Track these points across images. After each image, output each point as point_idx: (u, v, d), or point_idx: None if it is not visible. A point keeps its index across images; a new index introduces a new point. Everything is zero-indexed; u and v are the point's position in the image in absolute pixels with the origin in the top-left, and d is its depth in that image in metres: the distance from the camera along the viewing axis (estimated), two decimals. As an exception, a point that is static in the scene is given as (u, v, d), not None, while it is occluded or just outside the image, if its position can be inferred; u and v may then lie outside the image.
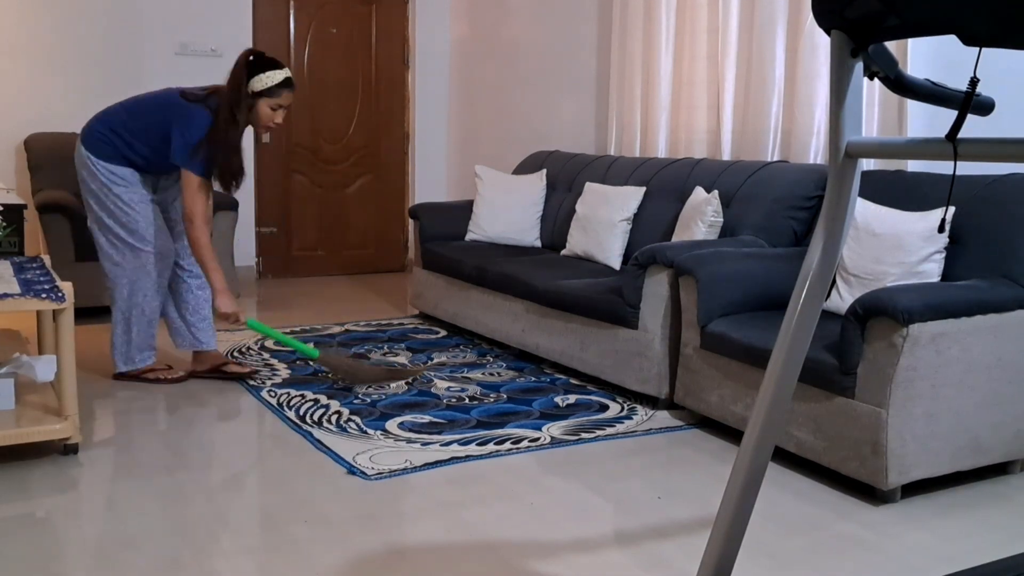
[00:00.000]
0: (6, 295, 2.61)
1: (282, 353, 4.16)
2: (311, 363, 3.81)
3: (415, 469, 2.76)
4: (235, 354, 4.12)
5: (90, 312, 4.77)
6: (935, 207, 2.96)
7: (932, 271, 2.83)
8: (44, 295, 2.65)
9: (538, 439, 3.05)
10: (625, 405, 3.44)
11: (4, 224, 3.26)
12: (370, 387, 3.55)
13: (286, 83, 3.41)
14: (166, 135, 3.36)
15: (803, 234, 3.58)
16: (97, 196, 3.46)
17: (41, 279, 2.87)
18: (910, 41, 3.37)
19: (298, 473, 2.74)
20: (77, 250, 4.69)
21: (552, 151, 5.22)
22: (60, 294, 2.66)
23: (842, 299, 2.96)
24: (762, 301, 3.20)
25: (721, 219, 3.70)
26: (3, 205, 3.31)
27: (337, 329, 4.68)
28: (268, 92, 3.38)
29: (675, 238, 3.84)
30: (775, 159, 4.03)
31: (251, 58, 3.40)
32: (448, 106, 6.80)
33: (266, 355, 4.12)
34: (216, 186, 3.50)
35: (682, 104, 4.54)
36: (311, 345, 3.73)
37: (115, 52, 5.63)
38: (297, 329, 4.67)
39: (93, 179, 3.46)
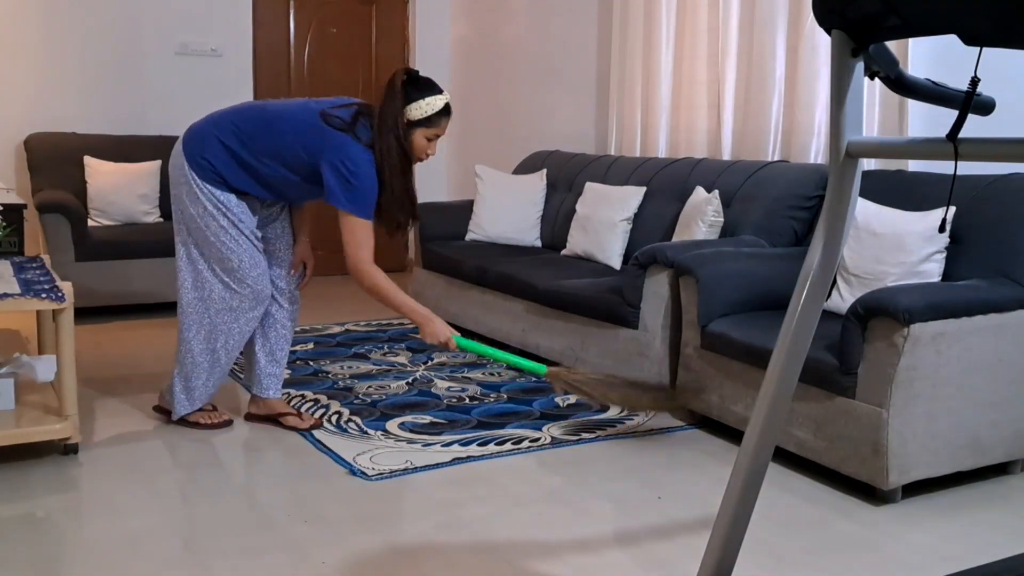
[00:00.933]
0: (6, 295, 2.61)
1: (282, 353, 4.16)
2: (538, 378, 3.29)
3: (416, 469, 2.76)
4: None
5: (91, 312, 4.78)
6: (936, 207, 2.95)
7: (933, 271, 2.82)
8: (44, 295, 2.65)
9: (538, 439, 3.05)
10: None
11: (4, 224, 3.26)
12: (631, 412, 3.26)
13: (446, 110, 2.91)
14: (306, 165, 2.87)
15: (804, 234, 3.57)
16: (196, 222, 2.91)
17: (41, 279, 2.87)
18: (910, 41, 3.37)
19: (298, 473, 2.74)
20: (77, 250, 4.69)
21: (552, 151, 5.22)
22: (60, 294, 2.66)
23: (843, 299, 2.95)
24: (763, 301, 3.20)
25: (721, 219, 3.69)
26: (3, 205, 3.30)
27: (337, 329, 4.68)
28: (426, 121, 2.86)
29: (675, 238, 3.84)
30: (775, 159, 4.03)
31: (406, 79, 2.88)
32: (448, 106, 6.79)
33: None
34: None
35: (682, 104, 4.54)
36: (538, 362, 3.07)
37: (115, 52, 5.63)
38: (297, 329, 4.67)
39: (195, 203, 2.89)
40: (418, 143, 2.88)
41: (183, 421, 3.13)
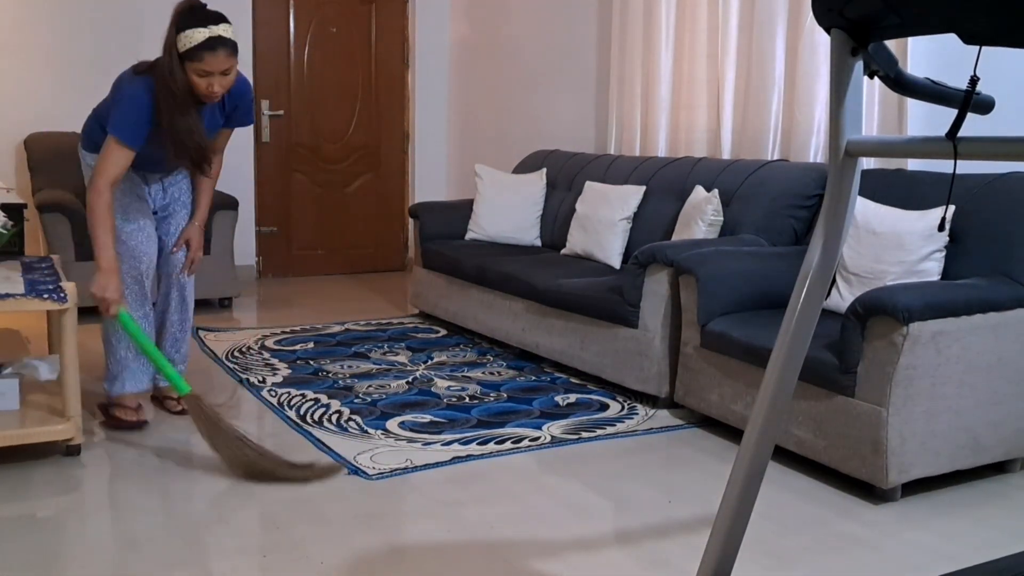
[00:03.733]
0: (8, 295, 2.61)
1: (282, 352, 4.16)
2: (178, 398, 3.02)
3: (416, 469, 2.76)
4: (235, 353, 4.12)
5: (91, 312, 4.78)
6: (935, 206, 2.96)
7: (932, 270, 2.83)
8: (46, 295, 2.65)
9: (538, 438, 3.05)
10: (625, 404, 3.44)
11: (12, 225, 3.26)
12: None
13: (208, 44, 2.68)
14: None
15: (803, 233, 3.58)
16: None
17: (47, 279, 2.87)
18: (910, 40, 3.37)
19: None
20: (77, 250, 4.69)
21: (552, 150, 5.22)
22: (63, 295, 2.66)
23: (842, 298, 2.96)
24: (762, 300, 3.20)
25: (721, 218, 3.70)
26: (6, 205, 3.31)
27: (337, 328, 4.69)
28: (190, 55, 2.68)
29: (675, 237, 3.84)
30: (775, 158, 4.03)
31: (183, 8, 2.74)
32: (448, 106, 6.80)
33: (266, 355, 4.12)
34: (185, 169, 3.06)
35: (682, 103, 4.54)
36: (184, 379, 2.87)
37: (115, 52, 5.63)
38: (298, 328, 4.67)
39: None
40: (194, 81, 2.74)
41: (107, 410, 3.11)
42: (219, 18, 2.74)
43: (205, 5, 2.77)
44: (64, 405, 2.76)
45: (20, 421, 2.73)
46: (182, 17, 2.71)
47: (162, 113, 2.76)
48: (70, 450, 2.81)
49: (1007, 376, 2.65)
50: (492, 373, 3.87)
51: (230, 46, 2.73)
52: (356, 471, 2.74)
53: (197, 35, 2.68)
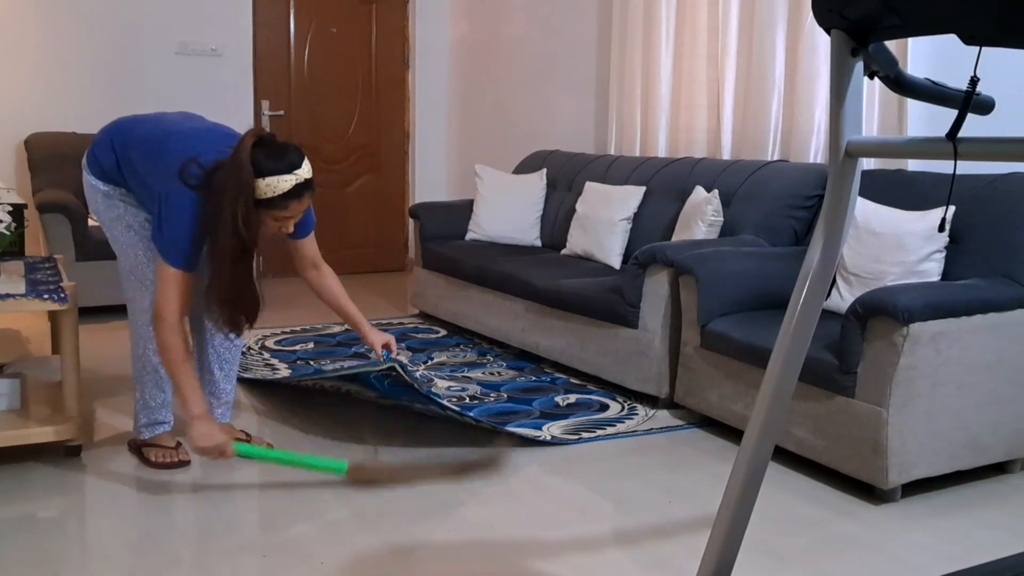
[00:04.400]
0: (8, 295, 2.62)
1: (282, 352, 4.16)
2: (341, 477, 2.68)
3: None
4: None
5: (91, 312, 4.77)
6: (935, 206, 2.96)
7: (932, 270, 2.83)
8: (47, 296, 2.65)
9: (538, 438, 3.05)
10: (625, 404, 3.44)
11: (15, 226, 3.26)
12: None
13: (295, 192, 2.38)
14: (150, 189, 2.51)
15: (803, 233, 3.58)
16: (107, 228, 2.67)
17: (49, 280, 2.88)
18: (910, 40, 3.37)
19: (299, 473, 2.74)
20: (77, 250, 4.69)
21: (552, 151, 5.22)
22: (63, 295, 2.66)
23: (842, 298, 2.96)
24: (762, 300, 3.20)
25: (721, 218, 3.70)
26: (11, 205, 3.31)
27: (337, 328, 4.68)
28: (269, 203, 2.36)
29: (675, 237, 3.84)
30: (775, 158, 4.03)
31: (255, 142, 2.36)
32: (448, 106, 6.80)
33: (267, 355, 4.12)
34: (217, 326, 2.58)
35: (682, 103, 4.54)
36: (339, 459, 2.61)
37: (115, 52, 5.63)
38: (298, 328, 4.67)
39: (99, 204, 2.67)
40: (268, 224, 2.42)
41: (140, 449, 2.80)
42: (298, 154, 2.40)
43: (275, 137, 2.43)
44: (65, 405, 2.76)
45: (21, 421, 2.73)
46: (260, 160, 2.33)
47: (221, 262, 2.37)
48: (70, 450, 2.80)
49: (1007, 376, 2.65)
50: (492, 373, 3.87)
51: (313, 186, 2.43)
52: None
53: (283, 184, 2.35)
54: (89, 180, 2.68)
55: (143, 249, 2.63)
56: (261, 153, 2.34)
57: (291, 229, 2.48)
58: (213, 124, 2.68)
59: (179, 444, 2.81)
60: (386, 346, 2.86)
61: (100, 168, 2.64)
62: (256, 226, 2.37)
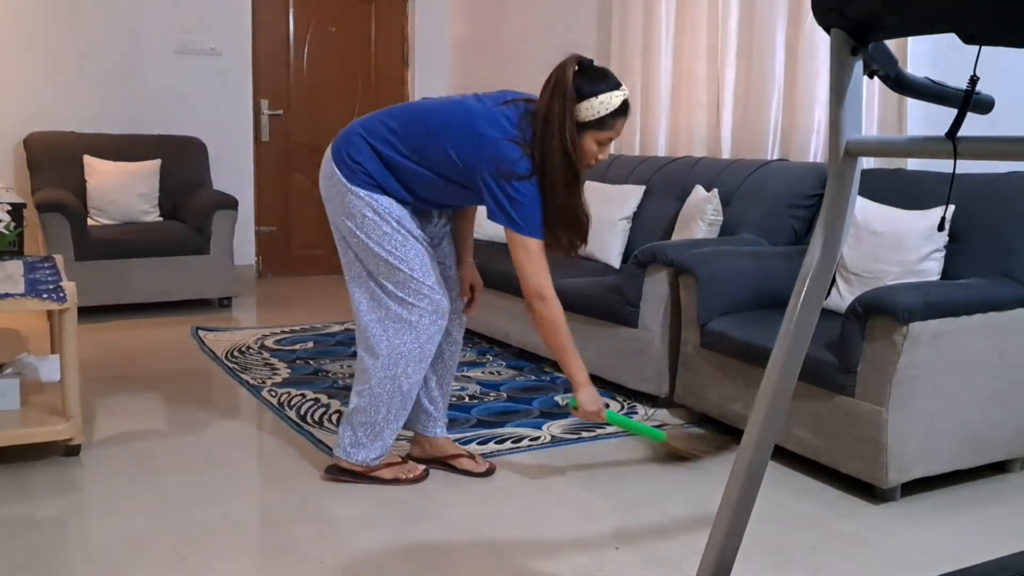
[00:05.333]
0: (7, 295, 2.61)
1: (282, 352, 4.16)
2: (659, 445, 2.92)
3: (415, 468, 2.76)
4: (235, 353, 4.11)
5: (91, 312, 4.78)
6: (935, 205, 2.96)
7: (932, 269, 2.83)
8: (46, 295, 2.65)
9: (538, 438, 3.05)
10: (625, 404, 3.44)
11: (14, 225, 3.26)
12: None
13: (623, 109, 2.41)
14: (459, 171, 2.45)
15: (803, 232, 3.58)
16: (356, 235, 2.51)
17: (48, 279, 2.88)
18: (910, 40, 3.37)
19: (299, 473, 2.74)
20: (77, 249, 4.69)
21: (552, 150, 5.22)
22: (62, 295, 2.66)
23: (842, 298, 2.96)
24: (762, 300, 3.20)
25: (721, 218, 3.70)
26: (10, 205, 3.31)
27: (337, 328, 4.68)
28: (599, 123, 2.38)
29: (675, 237, 3.84)
30: (775, 158, 4.03)
31: (577, 70, 2.39)
32: (448, 105, 6.79)
33: (266, 355, 4.12)
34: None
35: (682, 102, 4.54)
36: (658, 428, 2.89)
37: (115, 52, 5.63)
38: (298, 328, 4.67)
39: (351, 211, 2.49)
40: (588, 148, 2.41)
41: (371, 475, 2.63)
42: (615, 76, 2.46)
43: (592, 61, 2.46)
44: (64, 405, 2.76)
45: (20, 421, 2.73)
46: (585, 81, 2.37)
47: (556, 191, 2.38)
48: (70, 450, 2.81)
49: (1007, 376, 2.65)
50: (492, 373, 3.87)
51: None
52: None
53: (614, 99, 2.37)
54: (356, 192, 2.48)
55: (417, 270, 2.52)
56: (582, 78, 2.38)
57: (603, 158, 2.47)
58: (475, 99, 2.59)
59: (408, 458, 2.76)
60: (472, 286, 2.81)
61: (373, 181, 2.49)
62: (582, 149, 2.40)
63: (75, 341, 2.72)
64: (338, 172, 2.49)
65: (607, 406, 2.62)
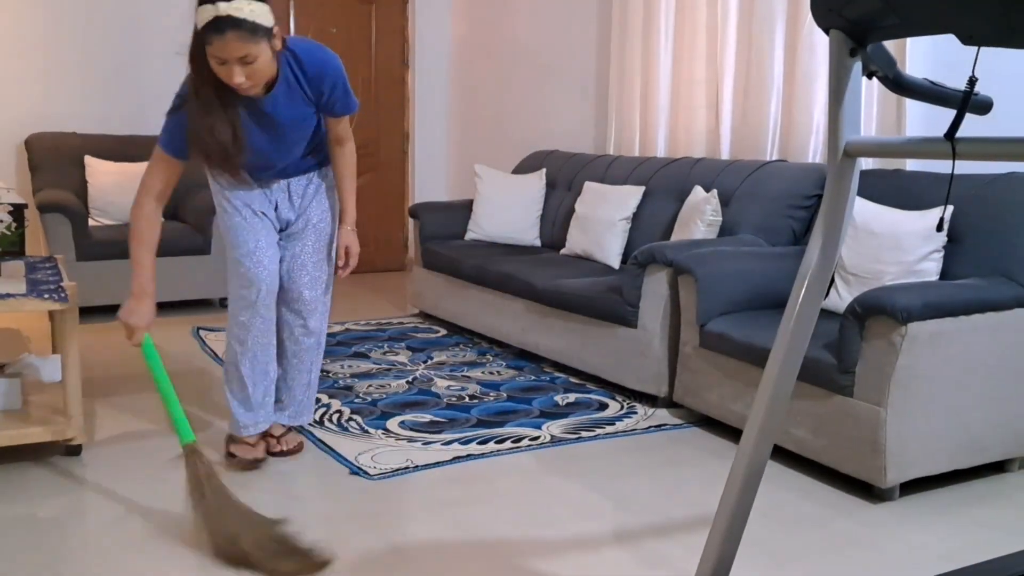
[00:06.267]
0: (8, 295, 2.62)
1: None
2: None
3: (416, 468, 2.77)
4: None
5: (92, 311, 4.78)
6: (933, 206, 2.96)
7: (930, 270, 2.83)
8: (47, 295, 2.65)
9: (538, 438, 3.06)
10: (625, 404, 3.45)
11: (15, 226, 3.26)
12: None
13: (215, 26, 2.19)
14: None
15: (802, 233, 3.58)
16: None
17: (50, 279, 2.88)
18: (909, 40, 3.38)
19: (300, 473, 2.74)
20: (78, 250, 4.69)
21: (552, 151, 5.23)
22: (63, 295, 2.67)
23: (841, 298, 2.96)
24: (761, 300, 3.21)
25: (720, 218, 3.70)
26: (11, 205, 3.31)
27: (337, 328, 4.69)
28: (202, 37, 2.23)
29: (674, 237, 3.84)
30: (774, 158, 4.04)
31: None
32: (448, 106, 6.80)
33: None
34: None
35: (681, 103, 4.55)
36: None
37: (115, 52, 5.64)
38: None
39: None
40: (213, 67, 2.28)
41: (230, 446, 2.77)
42: None
43: None
44: (65, 405, 2.76)
45: (22, 421, 2.73)
46: None
47: (188, 104, 2.36)
48: (70, 450, 2.81)
49: (1006, 376, 2.66)
50: (492, 373, 3.88)
51: (245, 28, 2.20)
52: (357, 471, 2.74)
53: (204, 13, 2.19)
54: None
55: (229, 238, 2.68)
56: None
57: (238, 81, 2.28)
58: None
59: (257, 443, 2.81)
60: (346, 251, 2.74)
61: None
62: (206, 64, 2.28)
63: (76, 341, 2.73)
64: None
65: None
